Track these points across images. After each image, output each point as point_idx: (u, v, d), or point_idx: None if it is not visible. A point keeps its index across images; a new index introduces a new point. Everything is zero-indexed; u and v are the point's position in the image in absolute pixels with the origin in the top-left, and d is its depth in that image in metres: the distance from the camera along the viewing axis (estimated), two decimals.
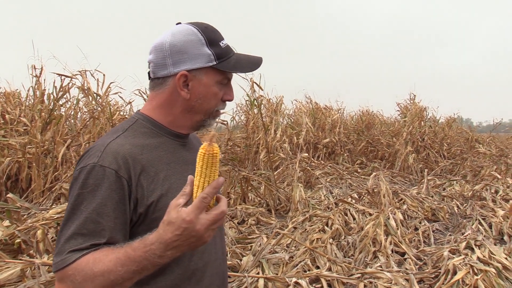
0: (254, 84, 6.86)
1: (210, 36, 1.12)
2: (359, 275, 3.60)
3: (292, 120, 13.34)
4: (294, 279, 3.14)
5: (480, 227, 5.26)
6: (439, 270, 3.73)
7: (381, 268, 3.79)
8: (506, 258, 3.93)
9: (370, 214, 5.26)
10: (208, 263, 1.17)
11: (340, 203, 5.68)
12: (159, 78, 1.13)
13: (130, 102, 7.28)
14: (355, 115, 15.55)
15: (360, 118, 14.77)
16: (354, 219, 5.27)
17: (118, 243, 0.98)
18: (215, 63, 1.11)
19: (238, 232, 4.99)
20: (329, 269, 3.72)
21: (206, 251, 1.15)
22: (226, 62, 1.13)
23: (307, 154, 8.21)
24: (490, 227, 5.35)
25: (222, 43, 1.14)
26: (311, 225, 4.90)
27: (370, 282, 3.43)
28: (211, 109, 1.16)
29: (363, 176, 9.74)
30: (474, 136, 15.49)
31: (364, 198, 6.47)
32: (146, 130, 1.13)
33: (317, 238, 4.38)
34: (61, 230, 0.99)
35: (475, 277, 3.13)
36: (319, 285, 3.43)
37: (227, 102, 1.20)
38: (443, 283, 3.38)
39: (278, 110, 10.92)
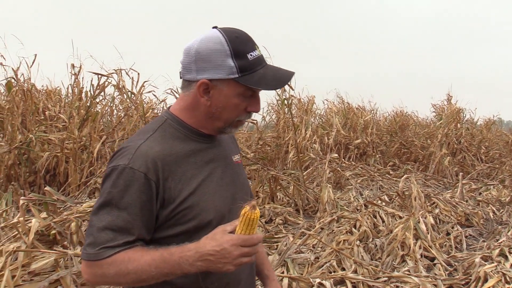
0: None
1: (238, 47, 1.10)
2: (385, 278, 3.55)
3: (323, 120, 13.24)
4: (318, 280, 3.14)
5: None
6: (470, 277, 3.63)
7: (408, 273, 3.73)
8: None
9: (400, 217, 5.17)
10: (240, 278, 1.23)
11: (369, 205, 5.60)
12: (186, 80, 1.15)
13: (163, 100, 7.45)
14: (389, 116, 15.25)
15: (393, 119, 14.47)
16: (383, 221, 5.19)
17: (145, 240, 1.08)
18: (237, 76, 1.09)
19: (265, 231, 5.02)
20: (355, 272, 3.68)
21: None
22: (249, 76, 1.10)
23: (337, 155, 8.15)
24: None
25: (251, 55, 1.11)
26: (339, 227, 4.86)
27: (397, 286, 3.38)
28: (232, 119, 1.16)
29: (395, 179, 9.54)
30: None
31: (394, 200, 6.36)
32: (174, 131, 1.16)
33: (344, 240, 4.35)
34: (92, 221, 1.06)
35: (507, 285, 3.03)
36: (344, 287, 3.42)
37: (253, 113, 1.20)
38: None
39: (309, 110, 10.88)
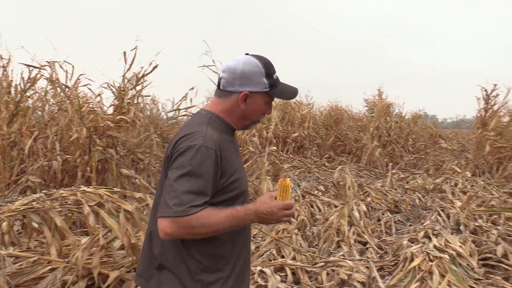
0: None
1: (268, 70, 1.56)
2: (322, 263, 3.72)
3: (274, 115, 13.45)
4: (259, 268, 3.22)
5: (439, 217, 5.49)
6: (398, 258, 3.89)
7: (343, 257, 3.93)
8: (460, 246, 4.15)
9: (335, 206, 5.42)
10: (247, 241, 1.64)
11: (307, 195, 5.81)
12: (227, 91, 1.56)
13: (99, 94, 7.14)
14: (324, 111, 15.77)
15: (329, 114, 15.00)
16: (319, 210, 5.41)
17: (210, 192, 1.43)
18: (268, 89, 1.56)
19: None
20: (294, 258, 3.82)
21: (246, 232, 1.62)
22: (275, 90, 1.58)
23: (275, 148, 8.32)
24: (448, 217, 5.59)
25: (275, 75, 1.59)
26: None
27: (333, 270, 3.55)
28: (256, 119, 1.63)
29: (330, 170, 9.94)
30: (438, 132, 16.02)
31: (330, 190, 6.63)
32: (219, 125, 1.55)
33: (283, 229, 4.48)
34: (174, 187, 1.37)
35: (430, 263, 3.30)
36: (284, 274, 3.53)
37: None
38: (401, 270, 3.54)
39: None
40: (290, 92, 1.64)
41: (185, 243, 1.46)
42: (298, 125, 12.83)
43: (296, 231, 4.42)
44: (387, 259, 4.05)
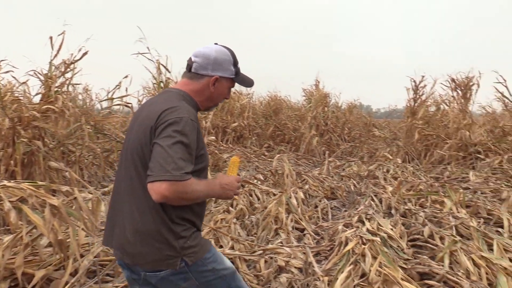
0: (161, 65, 6.65)
1: (235, 59, 1.81)
2: (260, 251, 3.72)
3: None
4: None
5: (372, 202, 5.72)
6: (334, 243, 3.99)
7: (281, 244, 3.97)
8: (391, 229, 4.34)
9: (274, 194, 5.46)
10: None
11: (246, 184, 5.80)
12: (199, 74, 1.75)
13: (24, 82, 6.63)
14: (264, 100, 15.89)
15: (268, 104, 15.12)
16: (258, 199, 5.43)
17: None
18: (233, 76, 1.81)
19: None
20: (232, 248, 3.79)
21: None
22: (238, 77, 1.83)
23: (214, 137, 8.22)
24: (381, 202, 5.84)
25: (238, 65, 1.83)
26: (216, 207, 4.95)
27: (271, 258, 3.56)
28: (218, 102, 1.86)
29: (269, 159, 10.03)
30: (371, 121, 16.72)
31: (269, 179, 6.68)
32: (190, 102, 1.72)
33: (222, 219, 4.44)
34: (169, 153, 1.48)
35: (363, 246, 3.41)
36: None
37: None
38: (336, 254, 3.63)
39: None
40: (249, 81, 1.88)
41: (167, 210, 1.60)
42: (238, 115, 12.82)
43: (234, 220, 4.39)
44: (323, 244, 4.14)
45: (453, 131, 10.07)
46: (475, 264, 3.32)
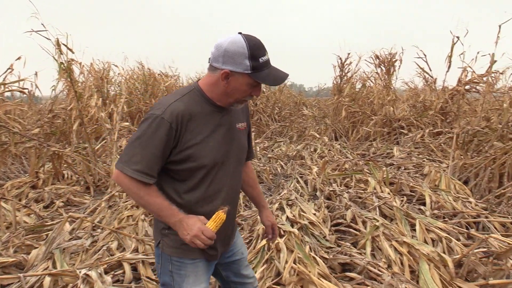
0: (62, 45, 5.86)
1: (254, 52, 1.52)
2: None
3: (123, 88, 12.43)
4: (84, 271, 2.66)
5: (298, 185, 5.48)
6: (253, 234, 3.66)
7: None
8: (314, 214, 4.09)
9: None
10: (221, 189, 1.67)
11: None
12: (213, 66, 1.57)
13: None
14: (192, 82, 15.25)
15: None
16: None
17: (156, 171, 1.55)
18: (249, 72, 1.52)
19: (37, 219, 4.24)
20: (136, 251, 3.33)
21: (219, 181, 1.66)
22: (258, 73, 1.53)
23: (128, 123, 7.57)
24: (306, 184, 5.62)
25: (262, 59, 1.53)
26: (125, 201, 4.43)
27: None
28: (239, 98, 1.61)
29: None
30: (302, 100, 16.70)
31: None
32: (197, 98, 1.60)
33: (128, 216, 3.94)
34: (128, 146, 1.53)
35: (279, 240, 3.09)
36: (122, 271, 3.03)
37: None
38: (253, 248, 3.29)
39: (104, 77, 10.00)
40: (275, 78, 1.57)
41: (164, 192, 1.62)
42: None
43: (143, 217, 3.91)
44: (242, 236, 3.80)
45: (378, 108, 10.16)
46: (397, 250, 3.13)
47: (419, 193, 4.88)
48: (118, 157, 1.58)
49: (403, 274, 2.79)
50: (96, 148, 7.28)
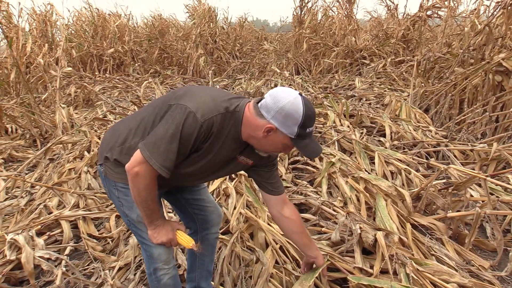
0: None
1: (306, 122, 1.50)
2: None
3: (72, 31, 11.54)
4: (11, 235, 2.40)
5: None
6: None
7: None
8: None
9: None
10: (187, 183, 1.85)
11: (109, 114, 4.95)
12: (261, 113, 1.54)
13: None
14: (148, 22, 14.36)
15: (153, 25, 13.68)
16: None
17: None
18: (292, 137, 1.52)
19: None
20: (77, 206, 3.08)
21: (189, 179, 1.75)
22: (300, 141, 1.54)
23: (70, 68, 7.00)
24: None
25: (309, 129, 1.53)
26: (68, 153, 4.10)
27: None
28: (268, 151, 1.65)
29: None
30: (263, 35, 16.10)
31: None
32: (230, 124, 1.56)
33: (70, 169, 3.64)
34: (161, 138, 1.48)
35: (229, 184, 2.89)
36: (60, 230, 2.79)
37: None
38: None
39: (47, 20, 9.20)
40: (312, 150, 1.58)
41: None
42: (117, 39, 11.36)
43: (85, 168, 3.61)
44: None
45: (340, 39, 9.82)
46: (354, 187, 2.99)
47: (380, 124, 4.75)
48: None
49: (359, 212, 2.66)
50: (43, 98, 6.78)
